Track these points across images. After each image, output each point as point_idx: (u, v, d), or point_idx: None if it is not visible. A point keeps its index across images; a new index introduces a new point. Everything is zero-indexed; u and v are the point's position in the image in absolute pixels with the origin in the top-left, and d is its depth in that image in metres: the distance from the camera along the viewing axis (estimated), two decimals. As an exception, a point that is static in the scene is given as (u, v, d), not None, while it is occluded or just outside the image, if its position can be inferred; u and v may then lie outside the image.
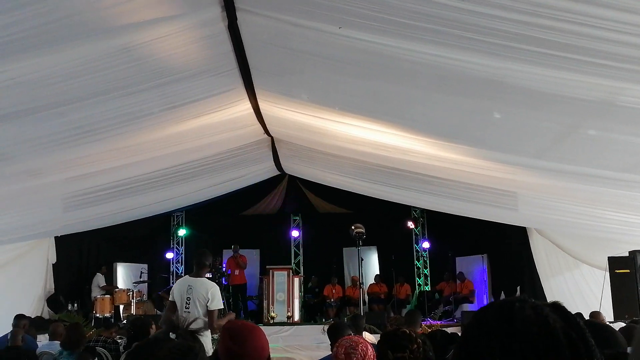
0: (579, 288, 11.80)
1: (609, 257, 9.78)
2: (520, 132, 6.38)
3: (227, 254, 16.07)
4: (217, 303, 6.52)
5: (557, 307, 1.10)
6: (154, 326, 7.31)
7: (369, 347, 3.62)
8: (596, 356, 1.03)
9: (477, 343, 1.06)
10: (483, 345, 1.05)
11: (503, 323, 1.06)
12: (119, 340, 8.11)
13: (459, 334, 5.67)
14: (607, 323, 8.44)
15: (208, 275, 12.73)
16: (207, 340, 6.01)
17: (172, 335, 2.91)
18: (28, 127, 6.13)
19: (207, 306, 6.44)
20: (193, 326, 3.30)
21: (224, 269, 15.21)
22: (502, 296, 14.33)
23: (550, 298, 11.72)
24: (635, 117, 5.04)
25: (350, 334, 5.43)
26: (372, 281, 16.04)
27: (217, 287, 6.66)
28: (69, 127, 6.44)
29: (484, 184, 8.70)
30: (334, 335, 5.50)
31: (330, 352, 5.39)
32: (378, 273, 16.35)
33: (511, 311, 1.07)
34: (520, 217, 10.63)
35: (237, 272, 15.12)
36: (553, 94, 4.95)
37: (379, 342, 3.42)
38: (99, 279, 14.60)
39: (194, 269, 6.87)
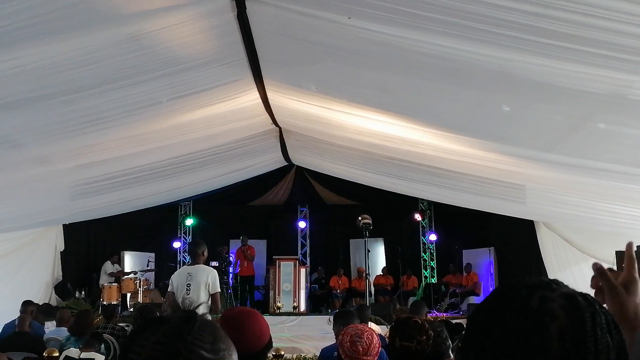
0: (586, 282, 11.64)
1: (616, 251, 9.68)
2: (529, 124, 6.34)
3: (234, 243, 16.12)
4: (217, 286, 6.81)
5: (588, 298, 1.02)
6: (158, 315, 7.37)
7: (375, 336, 3.63)
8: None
9: (471, 332, 1.02)
10: (474, 334, 1.00)
11: (496, 312, 1.00)
12: (126, 328, 8.16)
13: (464, 325, 5.68)
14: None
15: (214, 263, 12.85)
16: None
17: None
18: (36, 115, 6.14)
19: (208, 290, 6.66)
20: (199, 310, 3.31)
21: (230, 258, 15.27)
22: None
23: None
24: (646, 111, 5.00)
25: (357, 323, 5.46)
26: (379, 273, 16.04)
27: (216, 272, 6.93)
28: (77, 115, 6.45)
29: (492, 177, 8.67)
30: (340, 322, 5.51)
31: (335, 342, 5.42)
32: (385, 265, 16.36)
33: (510, 299, 1.00)
34: (529, 210, 10.59)
35: (245, 263, 15.16)
36: (563, 86, 4.91)
37: (390, 327, 3.40)
38: (108, 267, 14.67)
39: (190, 259, 7.18)
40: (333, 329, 5.61)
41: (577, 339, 0.95)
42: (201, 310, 2.50)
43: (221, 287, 7.95)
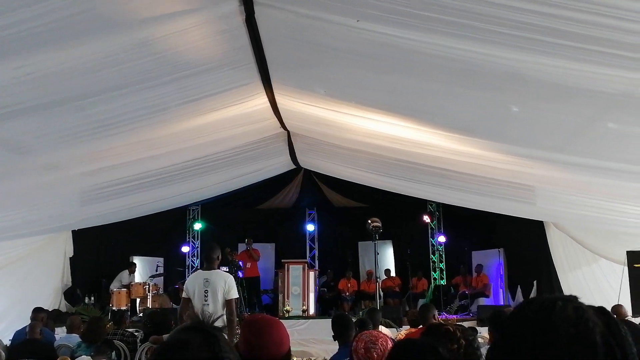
0: (597, 282, 11.71)
1: (627, 252, 9.70)
2: (539, 125, 6.33)
3: (241, 248, 16.14)
4: (234, 292, 6.77)
5: (602, 312, 1.08)
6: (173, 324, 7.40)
7: (389, 342, 3.62)
8: None
9: (516, 337, 1.05)
10: (521, 340, 1.04)
11: (542, 320, 1.04)
12: (135, 334, 8.18)
13: (476, 328, 5.67)
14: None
15: (224, 268, 12.85)
16: None
17: None
18: (47, 121, 6.17)
19: (224, 296, 6.64)
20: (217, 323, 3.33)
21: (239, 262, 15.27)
22: (519, 290, 14.27)
23: (567, 292, 11.61)
24: (656, 110, 4.98)
25: (353, 330, 5.45)
26: (384, 276, 15.99)
27: (232, 278, 6.92)
28: (87, 121, 6.47)
29: (502, 178, 8.65)
30: (338, 326, 5.50)
31: (338, 346, 5.42)
32: (388, 268, 16.29)
33: (552, 309, 1.05)
34: (538, 211, 10.56)
35: (249, 264, 15.16)
36: (573, 86, 4.90)
37: (422, 333, 3.36)
38: (124, 276, 14.67)
39: (204, 264, 7.12)
40: (333, 336, 5.60)
41: (617, 342, 1.02)
42: (219, 323, 2.50)
43: None
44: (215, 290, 6.63)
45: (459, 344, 3.01)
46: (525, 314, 1.08)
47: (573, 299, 1.09)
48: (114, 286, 14.32)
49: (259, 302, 15.47)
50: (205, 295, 6.63)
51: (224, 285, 6.66)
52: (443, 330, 3.07)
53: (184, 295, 6.94)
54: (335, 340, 5.54)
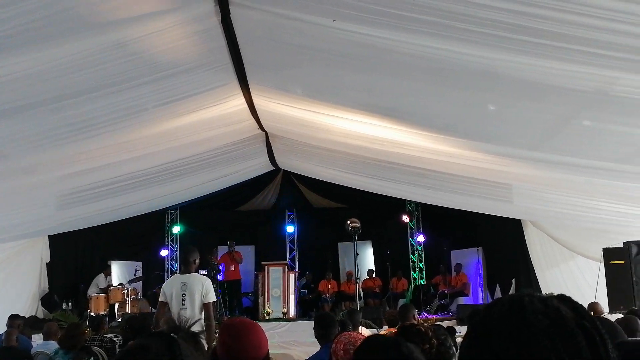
0: (574, 280, 11.82)
1: (603, 249, 9.81)
2: (515, 123, 6.38)
3: (222, 250, 16.05)
4: (212, 296, 6.64)
5: (564, 298, 1.09)
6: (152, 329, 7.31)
7: (369, 344, 3.60)
8: (610, 344, 1.01)
9: (488, 339, 1.04)
10: (494, 340, 1.03)
11: (514, 317, 1.04)
12: (114, 339, 8.08)
13: (455, 328, 5.69)
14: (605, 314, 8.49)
15: (203, 272, 12.76)
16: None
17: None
18: (22, 124, 6.09)
19: (202, 300, 6.52)
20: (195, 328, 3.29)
21: (219, 265, 15.18)
22: (497, 289, 14.37)
23: (545, 290, 11.83)
24: (630, 107, 5.04)
25: (337, 329, 5.43)
26: (366, 276, 16.01)
27: (210, 281, 6.78)
28: (63, 124, 6.41)
29: (479, 177, 8.70)
30: (321, 326, 5.46)
31: (320, 346, 5.39)
32: (371, 268, 16.33)
33: (521, 304, 1.05)
34: (516, 209, 10.64)
35: (232, 267, 15.08)
36: (548, 84, 4.95)
37: (394, 334, 3.37)
38: (100, 280, 14.53)
39: (182, 267, 7.00)
40: (315, 335, 5.55)
41: (592, 325, 1.02)
42: (196, 328, 2.48)
43: None
44: (192, 294, 6.53)
45: (430, 343, 3.05)
46: (495, 315, 1.07)
47: (534, 293, 1.10)
48: (91, 291, 14.15)
49: (240, 305, 15.39)
50: (182, 299, 6.54)
51: (201, 288, 6.54)
52: (415, 330, 3.11)
53: (160, 299, 6.84)
54: (319, 341, 5.49)
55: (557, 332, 1.00)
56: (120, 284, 14.47)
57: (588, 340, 1.00)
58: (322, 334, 5.41)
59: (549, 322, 1.01)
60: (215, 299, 6.91)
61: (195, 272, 6.91)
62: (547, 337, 0.99)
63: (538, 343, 0.99)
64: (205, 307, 6.54)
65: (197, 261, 6.94)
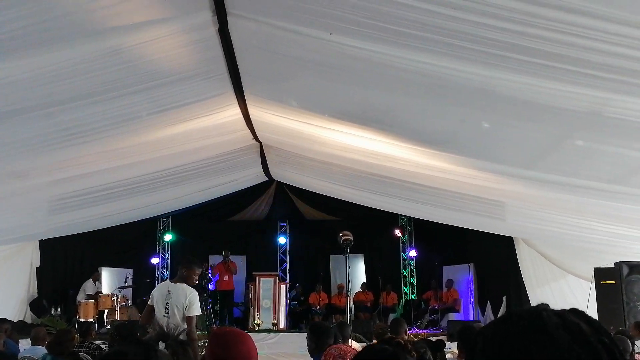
0: (565, 298, 11.82)
1: (594, 268, 9.82)
2: (509, 141, 6.40)
3: (213, 259, 16.00)
4: (195, 309, 6.34)
5: (578, 312, 1.06)
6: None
7: (358, 356, 3.59)
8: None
9: (507, 355, 1.01)
10: (515, 356, 1.00)
11: (537, 332, 1.00)
12: (102, 346, 8.02)
13: (444, 341, 5.67)
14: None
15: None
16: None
17: (162, 345, 2.87)
18: (15, 128, 6.07)
19: (185, 312, 6.27)
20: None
21: (210, 274, 15.12)
22: (488, 305, 14.35)
23: (536, 308, 11.74)
24: (622, 129, 5.06)
25: (332, 340, 5.38)
26: (359, 289, 15.99)
27: (196, 293, 6.48)
28: (57, 129, 6.39)
29: (472, 193, 8.72)
30: (316, 336, 5.38)
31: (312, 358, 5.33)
32: (364, 281, 16.32)
33: (542, 319, 1.02)
34: (508, 226, 10.66)
35: (226, 277, 15.04)
36: (542, 104, 4.97)
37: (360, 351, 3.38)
38: (88, 286, 14.45)
39: (177, 273, 6.70)
40: (308, 345, 5.45)
41: (609, 338, 1.01)
42: (182, 337, 2.46)
43: (201, 305, 7.47)
44: (175, 304, 6.28)
45: (410, 355, 3.06)
46: (513, 331, 1.03)
47: (546, 306, 1.07)
48: (80, 297, 14.08)
49: (230, 315, 15.33)
50: (166, 307, 6.35)
51: (184, 301, 6.27)
52: (394, 343, 3.13)
53: (149, 302, 6.64)
54: (310, 353, 5.39)
55: (580, 348, 0.97)
56: (111, 293, 14.41)
57: (609, 356, 0.98)
58: (316, 343, 5.28)
59: (571, 338, 0.98)
60: (199, 313, 6.57)
61: (188, 283, 6.57)
62: (570, 353, 0.97)
63: (563, 359, 0.96)
64: (187, 320, 6.27)
65: (190, 274, 6.56)
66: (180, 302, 6.30)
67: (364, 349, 2.48)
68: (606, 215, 7.73)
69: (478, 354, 1.05)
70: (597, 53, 3.87)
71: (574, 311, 1.06)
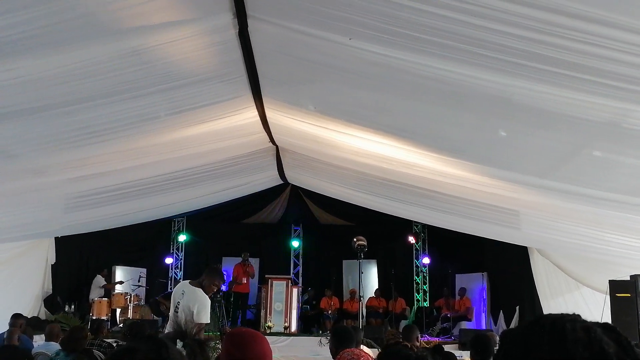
0: (579, 310, 11.37)
1: (610, 281, 9.73)
2: (525, 150, 6.36)
3: (226, 261, 16.06)
4: (204, 317, 6.18)
5: (609, 328, 1.03)
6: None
7: (371, 360, 3.60)
8: None
9: None
10: None
11: (554, 344, 0.99)
12: (114, 345, 8.07)
13: (454, 353, 5.64)
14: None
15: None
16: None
17: (179, 343, 2.87)
18: (34, 126, 6.13)
19: (193, 318, 6.11)
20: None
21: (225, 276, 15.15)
22: (501, 315, 14.26)
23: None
24: (641, 140, 5.03)
25: (354, 344, 5.36)
26: (371, 294, 15.95)
27: (208, 302, 6.34)
28: (75, 128, 6.44)
29: (487, 202, 8.67)
30: (337, 339, 5.33)
31: None
32: (377, 287, 16.28)
33: (563, 332, 1.00)
34: (523, 236, 10.58)
35: (244, 279, 15.07)
36: (560, 113, 4.94)
37: (380, 351, 3.40)
38: (99, 281, 14.56)
39: (199, 277, 6.55)
40: (330, 348, 5.40)
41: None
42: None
43: (213, 306, 7.30)
44: (184, 306, 6.20)
45: None
46: (533, 339, 1.01)
47: (577, 317, 1.05)
48: (93, 295, 14.18)
49: (243, 317, 15.36)
50: (176, 307, 6.36)
51: (192, 306, 6.16)
52: (397, 349, 3.16)
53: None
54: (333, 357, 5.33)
55: None
56: (119, 282, 14.56)
57: None
58: (337, 347, 5.20)
59: (589, 355, 0.96)
60: (208, 321, 6.40)
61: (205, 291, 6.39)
62: None
63: None
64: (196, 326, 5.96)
65: (210, 284, 6.41)
66: (189, 306, 6.21)
67: (387, 349, 2.50)
68: (623, 227, 7.65)
69: (501, 353, 1.04)
70: (617, 63, 3.85)
71: (606, 327, 1.03)
